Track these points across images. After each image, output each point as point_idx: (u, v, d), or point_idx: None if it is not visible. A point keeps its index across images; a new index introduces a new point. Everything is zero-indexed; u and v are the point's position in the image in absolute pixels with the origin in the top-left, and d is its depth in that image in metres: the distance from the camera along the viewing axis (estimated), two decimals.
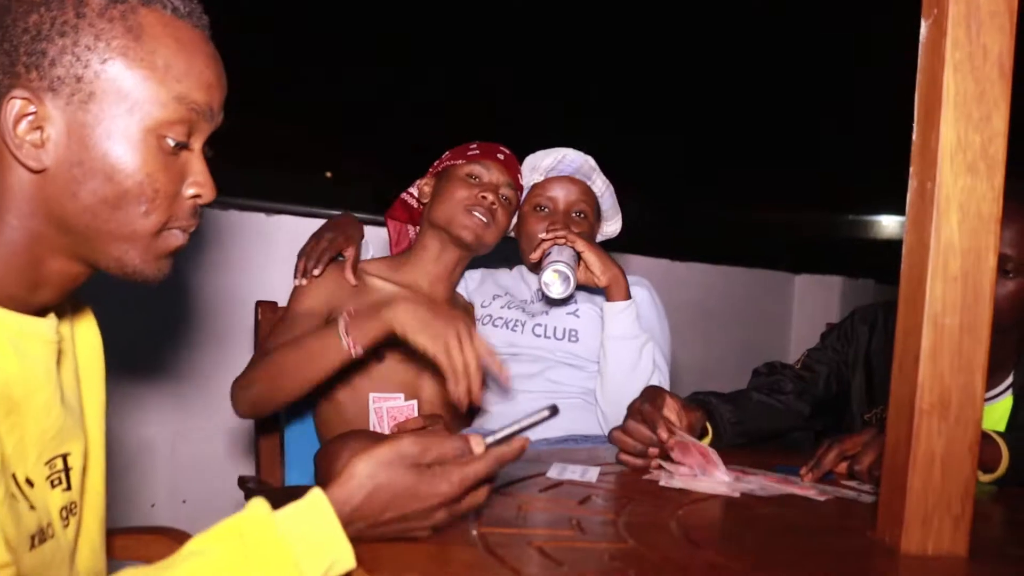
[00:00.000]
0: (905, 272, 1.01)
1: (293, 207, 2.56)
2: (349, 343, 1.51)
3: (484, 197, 1.84)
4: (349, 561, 0.82)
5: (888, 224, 14.67)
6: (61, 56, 0.83)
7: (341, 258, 1.83)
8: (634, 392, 1.70)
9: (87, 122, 0.84)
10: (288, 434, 1.93)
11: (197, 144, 0.92)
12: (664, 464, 1.34)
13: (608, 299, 1.80)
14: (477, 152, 1.92)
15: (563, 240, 1.79)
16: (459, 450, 0.90)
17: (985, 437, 1.33)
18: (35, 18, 0.83)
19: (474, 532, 0.92)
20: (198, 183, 0.92)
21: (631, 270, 1.91)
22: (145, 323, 2.22)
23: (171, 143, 0.88)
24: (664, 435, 1.32)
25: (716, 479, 1.28)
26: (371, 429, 1.80)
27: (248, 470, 2.09)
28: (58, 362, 0.94)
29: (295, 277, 1.79)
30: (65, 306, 1.01)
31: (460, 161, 1.91)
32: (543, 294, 1.77)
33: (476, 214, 1.84)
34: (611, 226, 2.06)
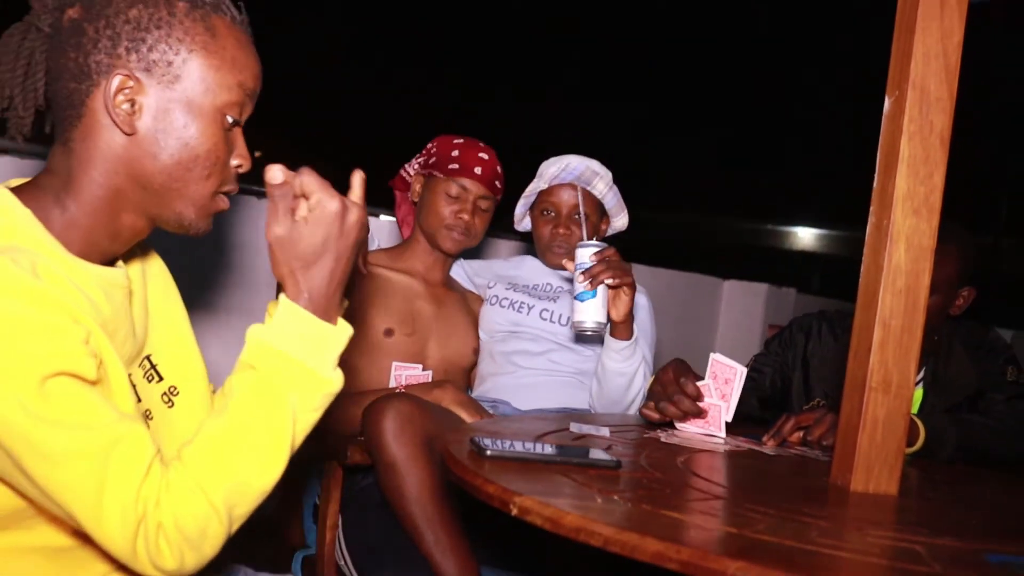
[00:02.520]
0: (862, 285, 1.35)
1: None
2: None
3: (462, 217, 2.15)
4: (343, 333, 1.09)
5: (804, 236, 15.46)
6: (157, 44, 1.05)
7: None
8: (626, 402, 2.01)
9: (173, 98, 1.06)
10: None
11: (242, 122, 1.16)
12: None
13: (611, 333, 1.96)
14: (457, 167, 2.17)
15: (618, 280, 1.83)
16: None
17: None
18: (135, 12, 1.05)
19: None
20: (241, 155, 1.15)
21: None
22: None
23: (229, 120, 1.11)
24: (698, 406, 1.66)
25: (706, 437, 1.62)
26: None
27: None
28: (131, 302, 1.19)
29: None
30: (136, 255, 1.25)
31: (440, 175, 2.18)
32: (576, 330, 1.87)
33: (455, 233, 2.16)
34: (619, 221, 2.36)
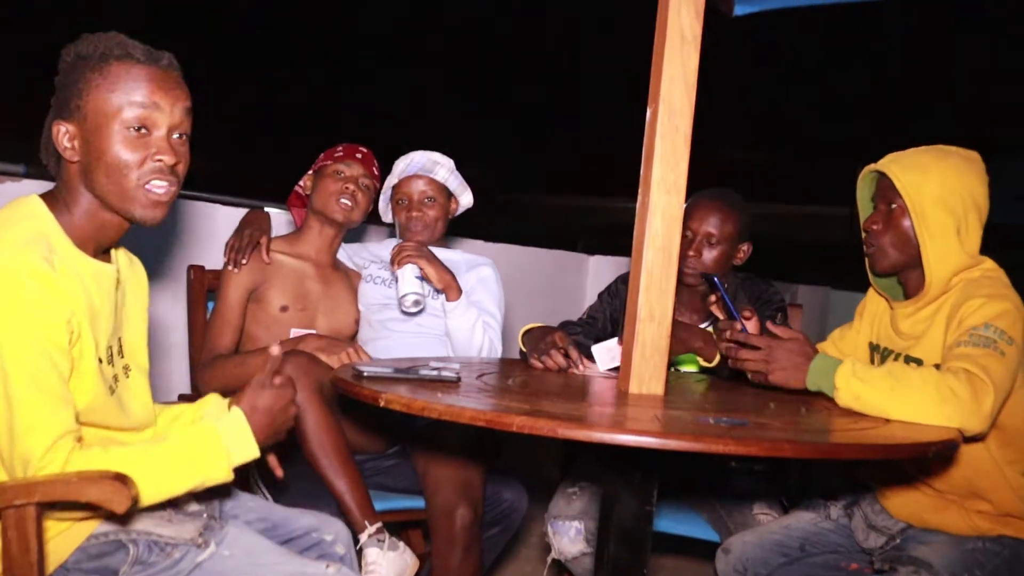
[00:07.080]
0: (634, 246, 1.85)
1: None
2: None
3: (347, 188, 2.58)
4: (254, 451, 1.53)
5: None
6: (70, 98, 1.48)
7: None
8: (475, 349, 2.50)
9: (90, 129, 1.47)
10: None
11: (159, 131, 1.47)
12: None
13: (447, 299, 2.46)
14: (341, 154, 2.63)
15: (411, 258, 2.40)
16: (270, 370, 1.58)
17: (710, 338, 2.22)
18: (59, 79, 1.50)
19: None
20: (159, 150, 1.47)
21: (470, 250, 2.71)
22: None
23: (132, 131, 1.44)
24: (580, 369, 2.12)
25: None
26: None
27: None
28: (117, 289, 1.60)
29: (227, 264, 2.50)
30: (125, 259, 1.67)
31: (329, 162, 2.62)
32: (401, 306, 2.42)
33: (343, 200, 2.58)
34: (464, 199, 2.78)
